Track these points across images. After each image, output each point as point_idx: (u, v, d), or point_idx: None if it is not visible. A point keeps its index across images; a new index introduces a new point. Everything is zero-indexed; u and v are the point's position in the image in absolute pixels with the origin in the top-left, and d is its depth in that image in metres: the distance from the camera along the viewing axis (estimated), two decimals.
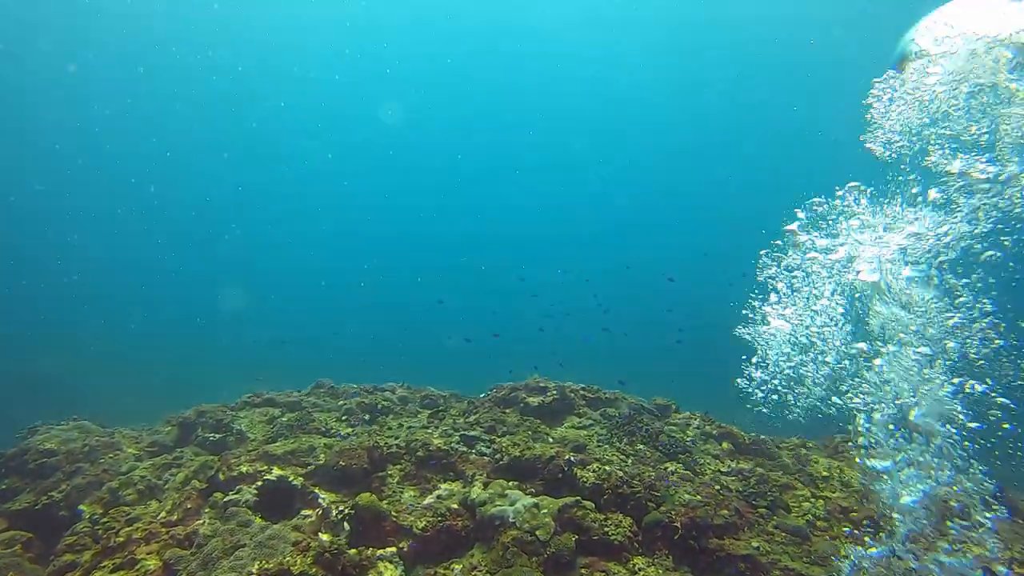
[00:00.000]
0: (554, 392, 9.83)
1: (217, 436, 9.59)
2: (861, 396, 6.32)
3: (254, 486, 7.12)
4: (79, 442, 9.57)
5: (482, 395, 10.85)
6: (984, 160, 5.79)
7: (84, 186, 55.18)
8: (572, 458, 7.38)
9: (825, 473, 8.72)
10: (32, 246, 53.12)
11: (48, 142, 50.95)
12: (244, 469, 7.38)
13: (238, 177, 61.69)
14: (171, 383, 27.57)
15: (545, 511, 6.38)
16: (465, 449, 7.97)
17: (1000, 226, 5.86)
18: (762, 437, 9.62)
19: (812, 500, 8.00)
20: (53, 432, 10.08)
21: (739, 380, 7.76)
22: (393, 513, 6.68)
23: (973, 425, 5.51)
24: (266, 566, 5.48)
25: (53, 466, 8.89)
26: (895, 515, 6.02)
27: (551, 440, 8.46)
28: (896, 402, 6.08)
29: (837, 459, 9.68)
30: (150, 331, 44.12)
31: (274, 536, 6.09)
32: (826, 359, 7.02)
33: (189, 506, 7.16)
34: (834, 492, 8.25)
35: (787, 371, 7.39)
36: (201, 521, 6.80)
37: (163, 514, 7.11)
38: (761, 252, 7.50)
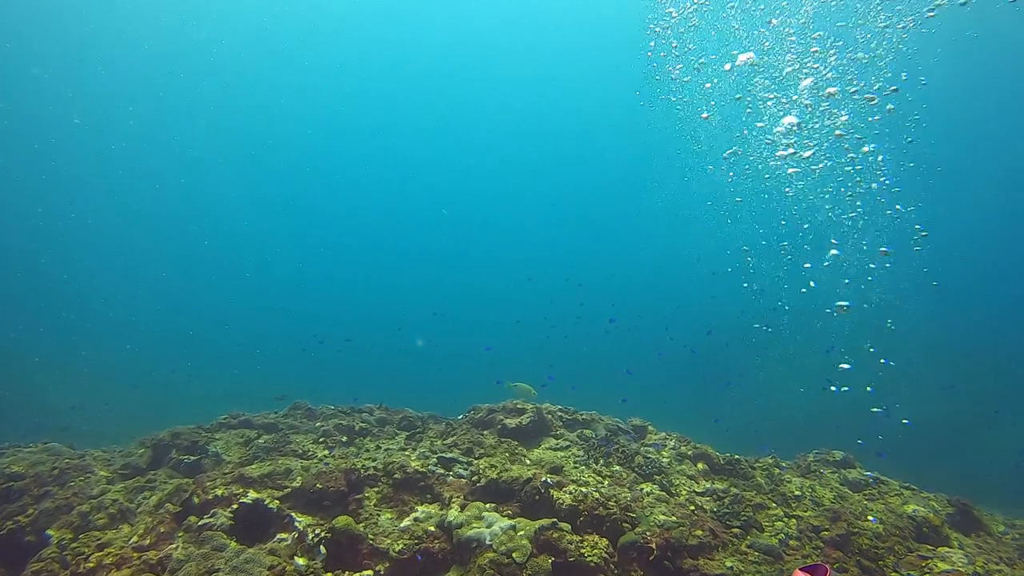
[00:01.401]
0: (531, 414, 9.90)
1: (192, 458, 9.48)
2: None
3: (229, 509, 7.06)
4: (48, 465, 9.39)
5: (460, 417, 10.88)
6: None
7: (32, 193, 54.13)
8: (549, 480, 7.44)
9: (797, 492, 8.89)
10: None
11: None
12: (219, 492, 7.32)
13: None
14: (146, 402, 27.13)
15: (522, 533, 6.43)
16: (443, 471, 8.00)
17: None
18: (736, 457, 9.77)
19: (785, 520, 8.13)
20: (21, 454, 9.87)
21: None
22: (370, 536, 6.68)
23: None
24: None
25: (20, 490, 8.69)
26: None
27: (528, 462, 8.52)
28: None
29: (809, 478, 9.87)
30: (126, 346, 43.33)
31: (249, 560, 6.04)
32: None
33: (162, 530, 7.06)
34: (806, 511, 8.40)
35: None
36: (174, 545, 6.72)
37: (135, 538, 7.01)
38: None
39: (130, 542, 6.93)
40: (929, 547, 7.63)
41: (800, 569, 1.63)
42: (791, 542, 7.62)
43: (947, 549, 7.57)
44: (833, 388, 11.76)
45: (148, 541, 6.87)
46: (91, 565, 6.38)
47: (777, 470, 9.65)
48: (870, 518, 7.88)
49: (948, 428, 29.84)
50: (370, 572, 6.29)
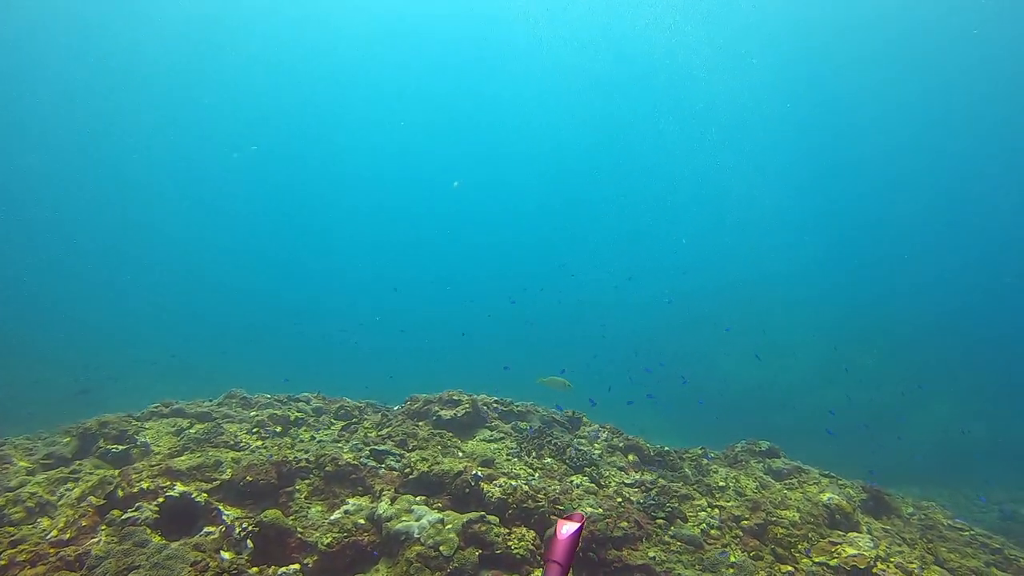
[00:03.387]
0: (467, 405, 9.99)
1: (120, 448, 9.24)
2: None
3: (155, 503, 6.94)
4: None
5: (396, 407, 10.89)
6: None
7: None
8: (479, 473, 7.56)
9: (722, 483, 9.26)
10: None
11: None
12: (145, 485, 7.18)
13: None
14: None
15: (450, 526, 6.53)
16: (375, 464, 8.02)
17: None
18: (666, 448, 10.10)
19: (708, 510, 8.47)
20: None
21: None
22: (299, 529, 6.68)
23: None
24: None
25: None
26: None
27: (461, 454, 8.61)
28: None
29: (736, 468, 10.28)
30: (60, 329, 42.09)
31: (172, 556, 5.97)
32: None
33: (84, 524, 6.90)
34: (729, 501, 8.77)
35: None
36: (96, 540, 6.58)
37: (54, 532, 6.83)
38: None
39: (48, 537, 6.76)
40: (840, 533, 8.10)
41: (561, 518, 1.76)
42: (712, 531, 7.96)
43: (856, 534, 8.03)
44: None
45: (68, 536, 6.70)
46: (3, 563, 6.19)
47: (705, 461, 10.03)
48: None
49: (875, 410, 31.44)
50: (297, 566, 6.30)
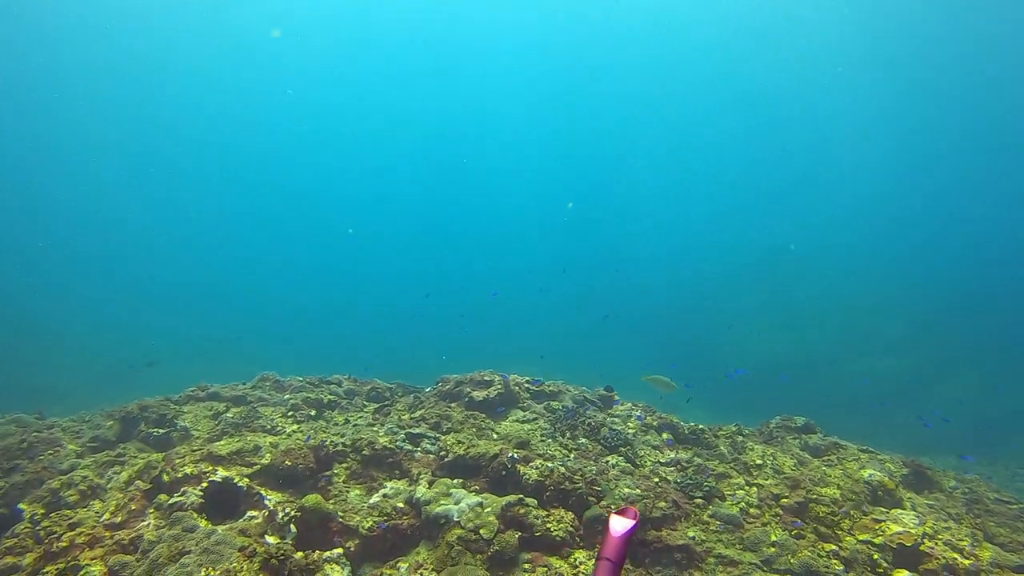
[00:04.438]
0: (499, 386, 9.99)
1: (160, 432, 9.47)
2: None
3: (199, 488, 7.10)
4: (16, 437, 9.33)
5: (428, 389, 10.93)
6: None
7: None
8: (515, 455, 7.57)
9: (759, 461, 9.16)
10: None
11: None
12: (189, 470, 7.34)
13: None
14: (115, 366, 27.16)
15: (488, 510, 6.57)
16: (411, 447, 8.09)
17: None
18: (700, 427, 10.01)
19: (746, 488, 8.41)
20: None
21: None
22: (339, 513, 6.78)
23: None
24: (212, 573, 5.52)
25: None
26: None
27: (495, 436, 8.64)
28: None
29: (772, 445, 10.17)
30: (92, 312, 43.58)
31: (220, 541, 6.11)
32: None
33: (133, 507, 7.10)
34: (767, 479, 8.69)
35: None
36: (146, 523, 6.77)
37: (107, 515, 7.04)
38: None
39: (102, 519, 6.96)
40: (883, 510, 7.97)
41: (615, 512, 1.68)
42: (751, 510, 7.90)
43: (900, 511, 7.91)
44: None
45: (119, 519, 6.90)
46: (64, 544, 6.40)
47: (740, 438, 9.92)
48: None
49: (905, 381, 30.92)
50: (341, 550, 6.41)
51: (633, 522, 1.60)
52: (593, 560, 6.53)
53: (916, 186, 51.98)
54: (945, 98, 46.51)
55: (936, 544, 6.95)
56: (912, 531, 7.16)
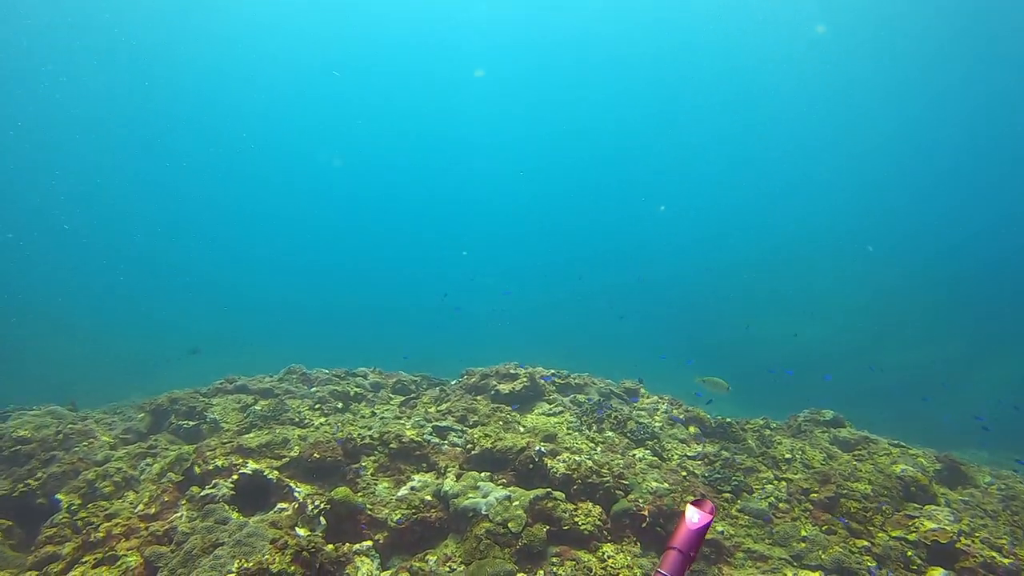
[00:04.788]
0: (524, 379, 9.97)
1: (190, 424, 9.61)
2: None
3: (230, 480, 7.19)
4: (52, 428, 9.54)
5: (453, 381, 10.96)
6: None
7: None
8: (542, 448, 7.56)
9: (787, 455, 9.05)
10: None
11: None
12: (219, 463, 7.45)
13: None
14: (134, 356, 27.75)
15: (517, 503, 6.57)
16: (438, 440, 8.11)
17: None
18: (727, 420, 9.91)
19: (775, 483, 8.32)
20: (26, 418, 10.03)
21: None
22: (368, 506, 6.83)
23: None
24: (245, 565, 5.58)
25: (27, 453, 8.86)
26: None
27: (522, 429, 8.63)
28: None
29: (800, 439, 10.04)
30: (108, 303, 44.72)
31: (252, 534, 6.19)
32: None
33: (166, 499, 7.22)
34: (796, 474, 8.58)
35: None
36: (179, 515, 6.88)
37: (141, 506, 7.17)
38: None
39: (136, 510, 7.10)
40: (916, 506, 7.83)
41: (691, 503, 1.60)
42: (780, 505, 7.81)
43: (934, 507, 7.75)
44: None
45: (153, 510, 7.03)
46: (101, 535, 6.54)
47: (768, 431, 9.81)
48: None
49: (936, 371, 30.33)
50: (370, 543, 6.46)
51: (710, 516, 1.54)
52: (621, 553, 6.52)
53: (949, 172, 50.87)
54: (988, 81, 45.31)
55: (973, 542, 6.80)
56: (948, 528, 7.01)
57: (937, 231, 49.22)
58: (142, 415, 10.20)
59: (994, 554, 6.60)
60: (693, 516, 1.51)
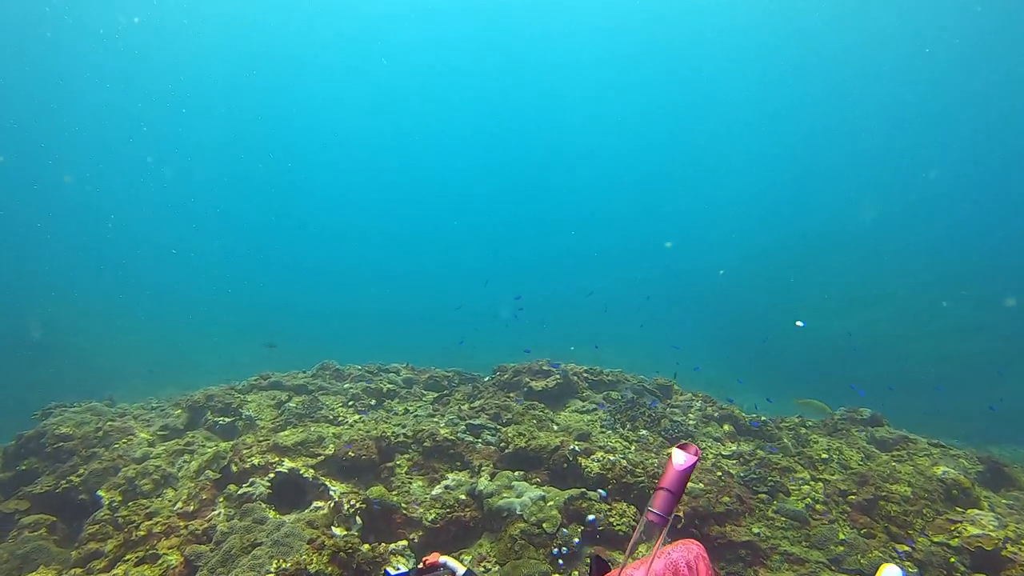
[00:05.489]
0: (558, 376, 9.93)
1: (226, 420, 9.76)
2: None
3: (266, 478, 7.29)
4: (92, 426, 9.75)
5: (486, 378, 10.96)
6: None
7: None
8: (576, 447, 7.52)
9: (824, 455, 8.89)
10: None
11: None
12: (256, 461, 7.55)
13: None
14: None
15: (551, 504, 6.55)
16: (471, 439, 8.12)
17: None
18: (763, 418, 9.77)
19: (811, 483, 8.17)
20: (67, 415, 10.27)
21: None
22: (403, 505, 6.86)
23: None
24: (283, 565, 5.65)
25: (69, 450, 9.08)
26: None
27: (555, 428, 8.59)
28: None
29: (836, 438, 9.86)
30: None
31: (290, 533, 6.26)
32: None
33: (204, 497, 7.35)
34: (833, 474, 8.42)
35: None
36: (217, 512, 7.00)
37: (180, 504, 7.31)
38: None
39: (176, 508, 7.23)
40: (959, 509, 7.62)
41: (676, 447, 1.67)
42: (817, 506, 7.67)
43: (977, 512, 7.54)
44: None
45: (192, 508, 7.16)
46: (142, 533, 6.67)
47: (804, 430, 9.64)
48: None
49: (977, 366, 29.59)
50: (405, 542, 6.50)
51: (696, 457, 1.59)
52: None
53: (982, 163, 49.45)
54: (992, 70, 43.92)
55: (1020, 550, 6.60)
56: (992, 534, 6.81)
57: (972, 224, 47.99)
58: (179, 411, 10.37)
59: None
60: (680, 458, 1.58)
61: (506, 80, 63.39)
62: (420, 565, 1.87)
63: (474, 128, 69.47)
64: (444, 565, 1.90)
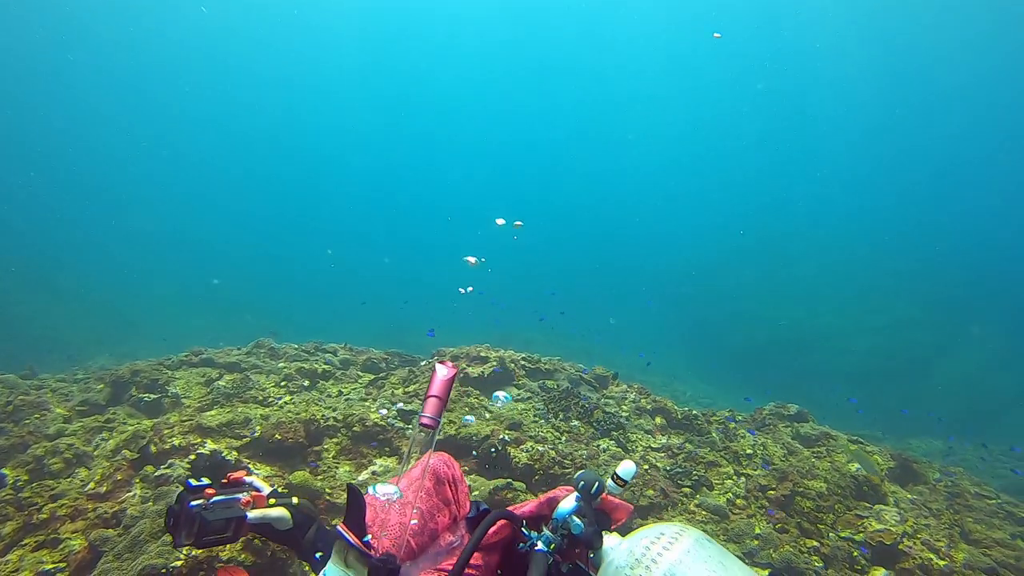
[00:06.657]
0: (494, 363, 9.92)
1: (152, 397, 9.40)
2: None
3: (186, 460, 7.06)
4: (2, 399, 9.28)
5: (424, 361, 10.86)
6: None
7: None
8: (506, 437, 7.54)
9: (749, 450, 9.17)
10: None
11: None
12: (177, 442, 7.30)
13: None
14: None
15: (476, 493, 6.55)
16: (402, 424, 8.04)
17: None
18: (694, 412, 9.99)
19: (734, 478, 8.42)
20: None
21: None
22: (327, 491, 6.75)
23: None
24: (195, 552, 5.49)
25: None
26: None
27: (488, 416, 8.58)
28: None
29: (764, 433, 10.18)
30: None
31: None
32: None
33: (119, 477, 7.06)
34: (755, 470, 8.70)
35: None
36: (131, 494, 6.75)
37: (91, 485, 7.00)
38: None
39: (86, 489, 6.93)
40: (867, 505, 7.99)
41: (438, 362, 1.89)
42: (738, 501, 7.92)
43: (882, 507, 7.92)
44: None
45: (104, 489, 6.87)
46: (44, 516, 6.38)
47: (732, 424, 9.92)
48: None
49: (901, 359, 31.06)
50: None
51: (455, 369, 1.76)
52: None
53: (926, 163, 51.56)
54: (959, 75, 45.63)
55: (914, 544, 6.97)
56: (893, 529, 7.17)
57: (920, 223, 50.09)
58: (101, 386, 9.93)
59: (932, 556, 6.78)
60: (442, 370, 1.83)
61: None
62: (224, 480, 1.83)
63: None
64: (250, 484, 1.89)
